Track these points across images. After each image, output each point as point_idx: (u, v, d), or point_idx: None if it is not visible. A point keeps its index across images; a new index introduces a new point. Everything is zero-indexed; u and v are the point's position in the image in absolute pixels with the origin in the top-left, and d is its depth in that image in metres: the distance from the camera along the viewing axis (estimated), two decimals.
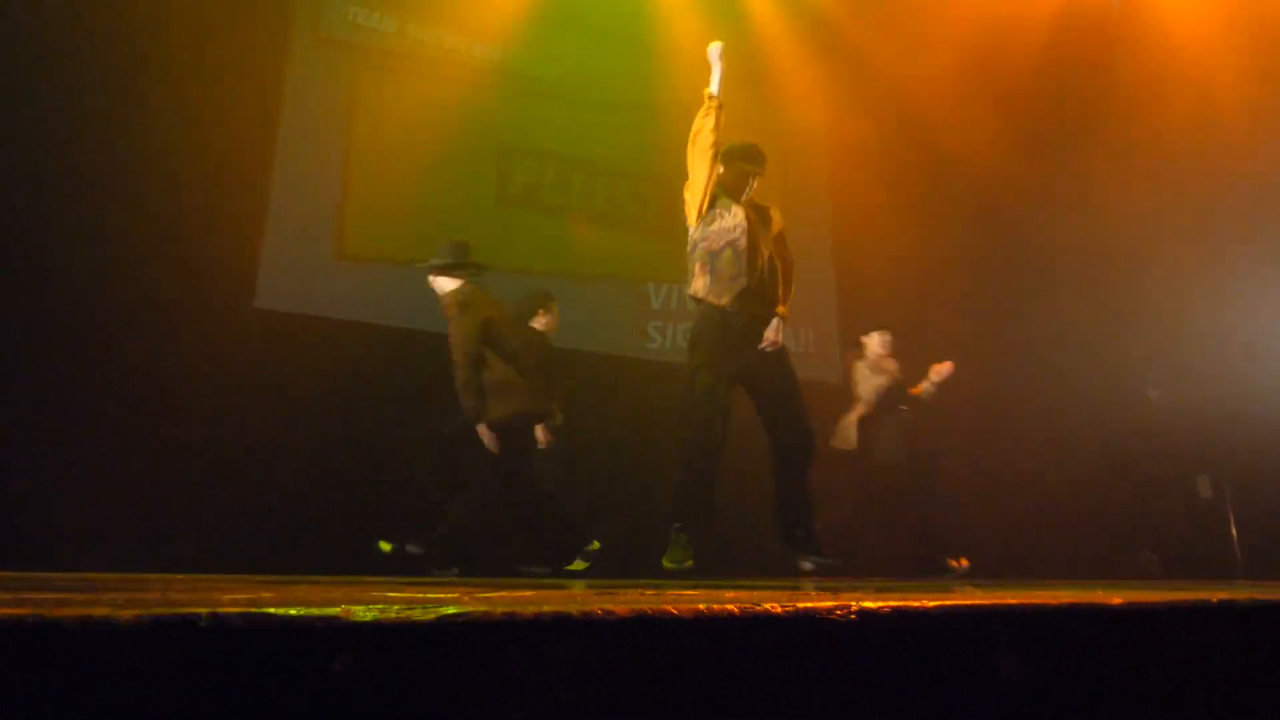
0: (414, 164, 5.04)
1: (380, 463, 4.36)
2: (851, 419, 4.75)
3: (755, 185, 3.21)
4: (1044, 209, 6.25)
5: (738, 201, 3.14)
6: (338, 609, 0.65)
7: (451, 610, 0.68)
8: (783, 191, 5.62)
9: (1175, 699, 1.02)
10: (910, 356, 5.02)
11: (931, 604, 0.91)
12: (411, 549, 3.63)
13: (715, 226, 3.08)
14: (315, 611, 0.64)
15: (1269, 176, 5.35)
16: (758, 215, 3.16)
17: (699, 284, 3.07)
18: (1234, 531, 5.70)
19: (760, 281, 3.03)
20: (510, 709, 0.67)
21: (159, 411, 3.93)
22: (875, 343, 4.91)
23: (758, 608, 0.81)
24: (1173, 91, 5.54)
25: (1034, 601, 0.99)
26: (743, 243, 3.02)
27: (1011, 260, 6.40)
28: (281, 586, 1.36)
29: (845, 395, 4.92)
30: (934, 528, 4.62)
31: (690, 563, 2.66)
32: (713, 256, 3.06)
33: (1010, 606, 0.96)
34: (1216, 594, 1.28)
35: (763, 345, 2.99)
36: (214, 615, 0.60)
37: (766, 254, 3.09)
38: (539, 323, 4.01)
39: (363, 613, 0.64)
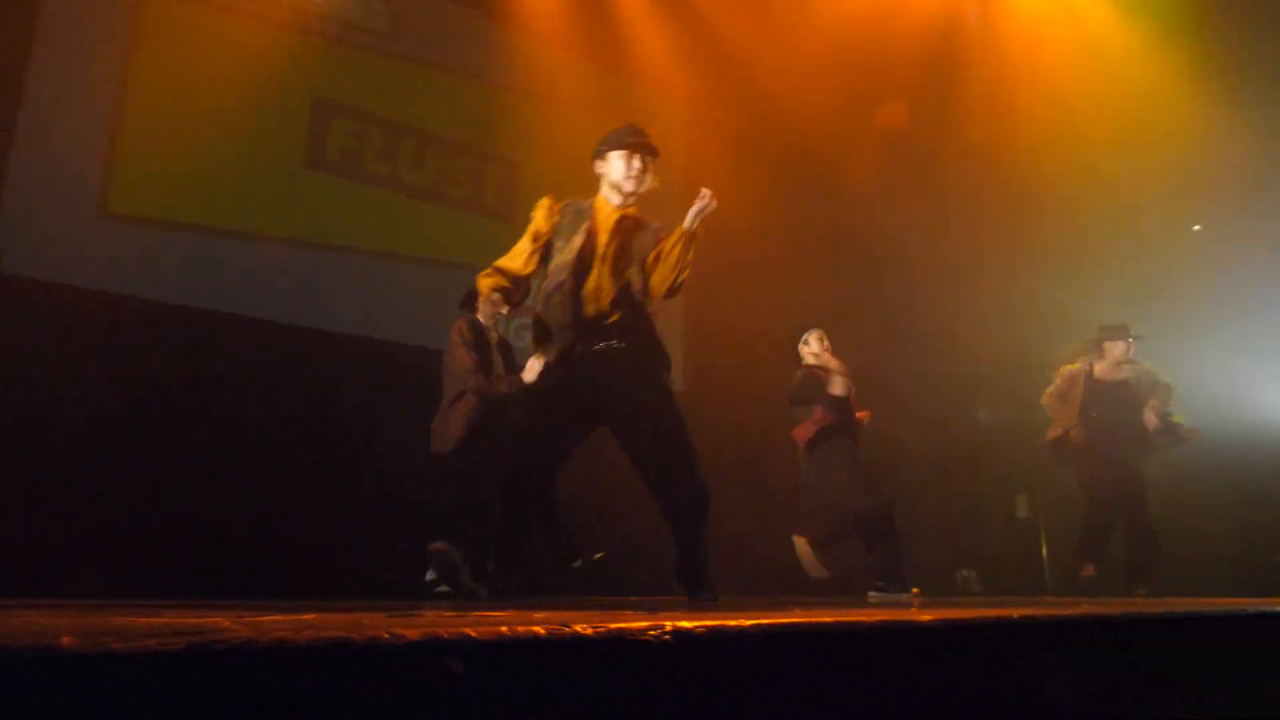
0: (206, 110, 4.65)
1: (166, 464, 3.97)
2: None
3: (637, 176, 2.68)
4: (892, 212, 6.67)
5: (589, 221, 2.67)
6: (59, 638, 0.59)
7: (206, 639, 0.64)
8: None
9: (987, 715, 1.14)
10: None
11: (748, 623, 0.97)
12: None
13: (555, 262, 2.67)
14: (27, 642, 0.58)
15: (1101, 200, 6.07)
16: (617, 232, 2.67)
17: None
18: (1044, 550, 6.49)
19: (601, 314, 2.61)
20: None
21: None
22: None
23: (566, 630, 0.82)
24: (1019, 107, 6.21)
25: (846, 620, 1.07)
26: (569, 283, 2.60)
27: (859, 262, 6.77)
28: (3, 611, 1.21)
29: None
30: None
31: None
32: (546, 300, 2.66)
33: (823, 625, 1.03)
34: (1019, 610, 1.45)
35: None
36: None
37: (619, 283, 2.62)
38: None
39: (87, 644, 0.59)
